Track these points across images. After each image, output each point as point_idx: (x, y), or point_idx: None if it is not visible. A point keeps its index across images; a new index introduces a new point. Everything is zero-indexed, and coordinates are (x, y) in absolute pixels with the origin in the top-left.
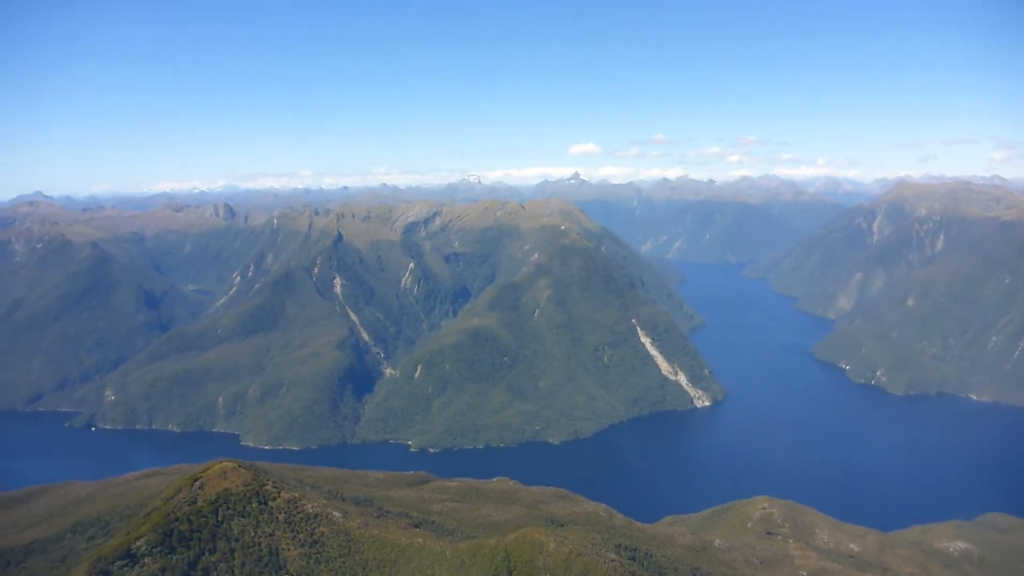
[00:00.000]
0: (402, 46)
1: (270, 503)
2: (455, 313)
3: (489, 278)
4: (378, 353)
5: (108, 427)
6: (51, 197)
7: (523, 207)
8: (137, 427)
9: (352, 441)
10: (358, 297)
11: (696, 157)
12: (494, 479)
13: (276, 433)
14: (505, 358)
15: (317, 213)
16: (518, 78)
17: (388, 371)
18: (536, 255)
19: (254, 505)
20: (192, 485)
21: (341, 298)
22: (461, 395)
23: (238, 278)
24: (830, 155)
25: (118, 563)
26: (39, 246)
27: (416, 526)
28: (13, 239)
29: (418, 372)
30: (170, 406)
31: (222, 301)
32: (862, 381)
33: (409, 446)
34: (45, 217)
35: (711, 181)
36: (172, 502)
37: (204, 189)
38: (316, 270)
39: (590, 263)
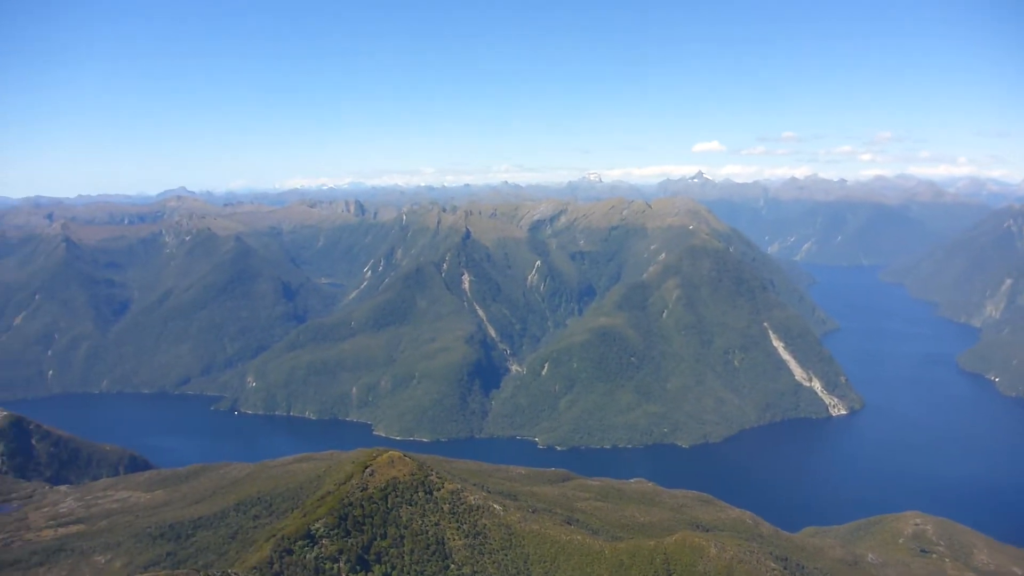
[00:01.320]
0: (525, 44)
1: (435, 493)
2: (580, 311)
3: (615, 277)
4: (504, 349)
5: (249, 412)
6: (193, 192)
7: (649, 206)
8: (276, 413)
9: (480, 436)
10: (485, 293)
11: (825, 156)
12: (632, 480)
13: (407, 424)
14: (633, 358)
15: (444, 210)
16: (641, 75)
17: (514, 367)
18: (663, 255)
19: (420, 494)
20: (363, 472)
21: (469, 294)
22: (588, 394)
23: (369, 272)
24: (972, 153)
25: (299, 543)
26: (187, 239)
27: (568, 523)
28: (164, 231)
29: (545, 369)
30: (307, 394)
31: (354, 294)
32: (1013, 394)
33: (536, 443)
34: (191, 211)
35: (842, 180)
36: (345, 487)
37: (332, 186)
38: (445, 266)
39: (720, 264)
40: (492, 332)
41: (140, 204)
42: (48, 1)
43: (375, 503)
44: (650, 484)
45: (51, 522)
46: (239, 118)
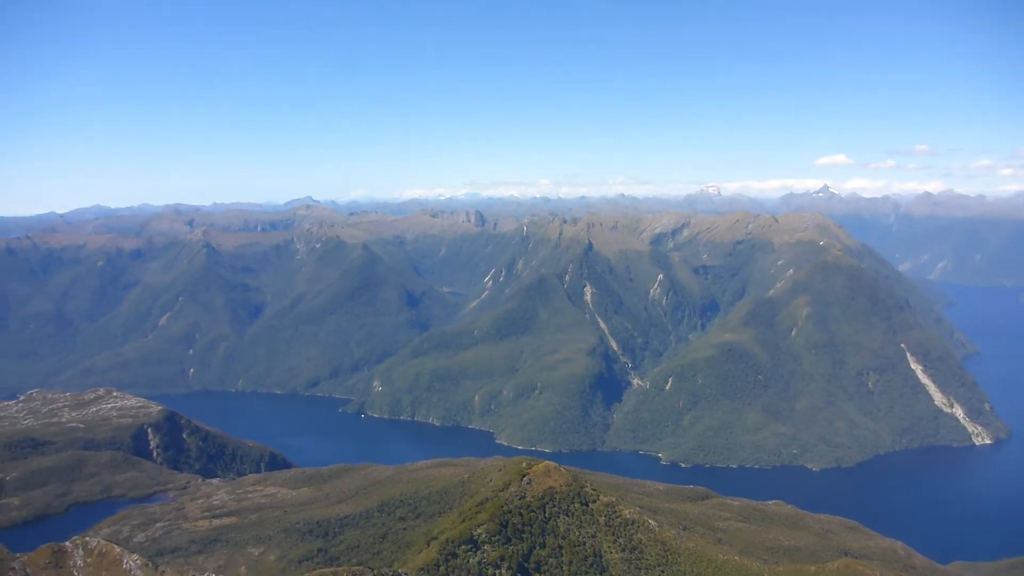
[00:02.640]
0: (640, 56)
1: (590, 505)
2: (703, 327)
3: (739, 292)
4: (626, 363)
5: (375, 415)
6: (319, 201)
7: (776, 220)
8: (401, 418)
9: (602, 449)
10: (607, 306)
11: (961, 170)
12: (770, 502)
13: (529, 434)
14: (760, 376)
15: (565, 222)
16: (762, 85)
17: (636, 381)
18: (792, 271)
19: (576, 505)
20: (521, 480)
21: (591, 306)
22: (713, 411)
23: (490, 282)
24: None
25: (463, 547)
26: (317, 246)
27: (718, 543)
28: (295, 239)
29: (669, 384)
30: (430, 400)
31: (475, 304)
32: None
33: (659, 459)
34: (320, 220)
35: (981, 196)
36: (504, 495)
37: (449, 196)
38: (567, 277)
39: (853, 281)
40: (614, 345)
41: (271, 212)
42: (199, 17)
43: (533, 512)
44: (790, 507)
45: (206, 513)
46: (361, 130)
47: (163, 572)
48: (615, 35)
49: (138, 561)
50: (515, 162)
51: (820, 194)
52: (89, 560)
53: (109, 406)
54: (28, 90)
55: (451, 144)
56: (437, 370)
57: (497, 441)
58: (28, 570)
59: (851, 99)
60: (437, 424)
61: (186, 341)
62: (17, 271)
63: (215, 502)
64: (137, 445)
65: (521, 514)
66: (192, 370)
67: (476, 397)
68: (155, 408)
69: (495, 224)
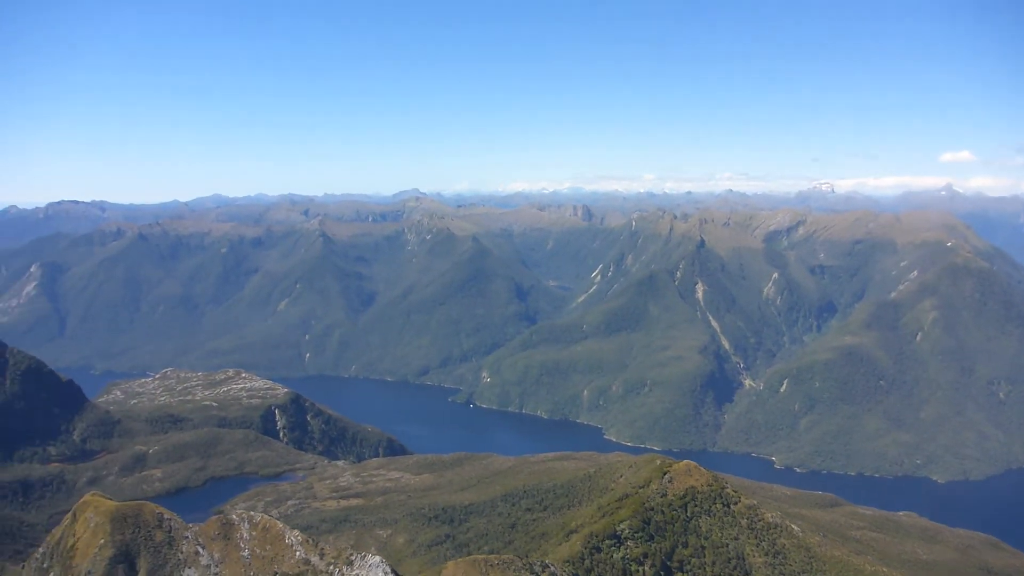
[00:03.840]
0: (751, 49)
1: (732, 507)
2: (819, 328)
3: (858, 294)
4: (738, 362)
5: (484, 406)
6: (425, 193)
7: (898, 219)
8: (509, 409)
9: (713, 449)
10: (719, 304)
11: None
12: (901, 512)
13: (638, 431)
14: (881, 382)
15: (676, 217)
16: (881, 79)
17: (748, 382)
18: (916, 272)
19: (718, 506)
20: (662, 478)
21: (702, 304)
22: (831, 416)
23: (598, 277)
24: None
25: (606, 542)
26: (428, 237)
27: (859, 553)
28: (405, 230)
29: (784, 387)
30: (539, 393)
31: (582, 298)
32: None
33: (773, 462)
34: (431, 211)
35: None
36: (645, 491)
37: (552, 190)
38: (679, 274)
39: (985, 285)
40: (726, 344)
41: (381, 203)
42: (318, 14)
43: (675, 510)
44: (923, 519)
45: (334, 494)
46: (466, 123)
47: (322, 548)
48: (723, 27)
49: (299, 537)
50: (619, 156)
51: (943, 192)
52: (254, 533)
53: (239, 387)
54: (162, 87)
55: (555, 138)
56: (546, 363)
57: (606, 437)
58: (200, 539)
59: (979, 91)
60: (545, 417)
61: (303, 327)
62: (148, 256)
63: (342, 483)
64: (265, 425)
65: (663, 512)
66: (308, 355)
67: (585, 392)
68: (281, 390)
69: (602, 219)
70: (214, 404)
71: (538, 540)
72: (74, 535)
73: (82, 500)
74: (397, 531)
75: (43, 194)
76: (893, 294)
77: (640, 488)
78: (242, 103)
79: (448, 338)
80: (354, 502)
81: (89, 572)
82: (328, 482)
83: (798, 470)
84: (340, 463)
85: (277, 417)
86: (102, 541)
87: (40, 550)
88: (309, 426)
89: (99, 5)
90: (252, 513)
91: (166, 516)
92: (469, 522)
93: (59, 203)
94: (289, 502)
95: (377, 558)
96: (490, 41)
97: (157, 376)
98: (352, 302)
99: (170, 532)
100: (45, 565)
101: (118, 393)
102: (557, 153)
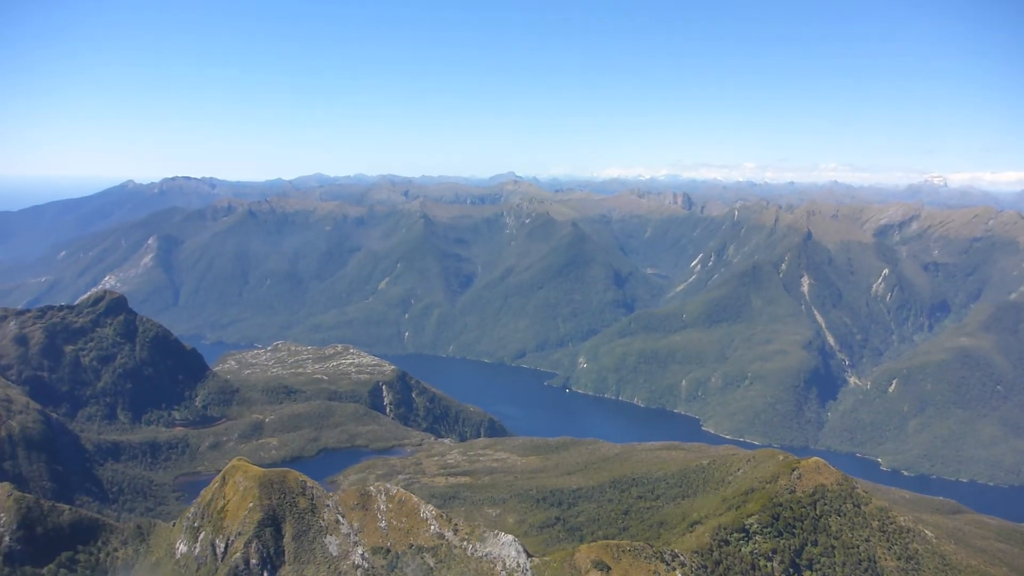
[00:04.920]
0: (862, 33)
1: (863, 507)
2: (931, 327)
3: (974, 294)
4: (843, 359)
5: (580, 391)
6: (521, 177)
7: (1022, 217)
8: (606, 396)
9: (815, 447)
10: (825, 298)
11: None
12: None
13: (737, 424)
14: (999, 387)
15: (781, 208)
16: (998, 68)
17: (853, 380)
18: None
19: (848, 506)
20: (790, 474)
21: (807, 297)
22: (943, 419)
23: (698, 266)
24: None
25: (735, 535)
26: (527, 221)
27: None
28: (504, 213)
29: (893, 387)
30: (636, 381)
31: (681, 287)
32: None
33: (878, 463)
34: (529, 195)
35: None
36: (773, 487)
37: (649, 176)
38: (783, 266)
39: None
40: (830, 340)
41: (479, 186)
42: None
43: (804, 507)
44: None
45: (442, 471)
46: (562, 108)
47: (456, 524)
48: (832, 12)
49: (433, 511)
50: (718, 143)
51: None
52: (391, 505)
53: (348, 362)
54: (271, 69)
55: (652, 124)
56: (644, 352)
57: (703, 428)
58: (340, 508)
59: None
60: (641, 405)
61: (403, 305)
62: (257, 232)
63: (449, 461)
64: (373, 400)
65: (792, 508)
66: (407, 333)
67: (683, 382)
68: (388, 367)
69: (702, 207)
70: (324, 378)
71: (656, 529)
72: (224, 497)
73: (230, 464)
74: (506, 511)
75: (157, 169)
76: (1013, 295)
77: (767, 483)
78: (345, 85)
79: (545, 322)
80: (462, 480)
81: (239, 533)
82: (436, 459)
83: (905, 473)
84: (446, 441)
85: (384, 393)
86: (251, 504)
87: (191, 510)
88: (414, 403)
89: None
90: (388, 486)
91: (308, 484)
92: (578, 506)
93: (173, 179)
94: (399, 476)
95: (510, 537)
96: (585, 27)
97: (269, 348)
98: (451, 283)
99: (312, 499)
100: (196, 524)
101: (232, 363)
102: (654, 139)
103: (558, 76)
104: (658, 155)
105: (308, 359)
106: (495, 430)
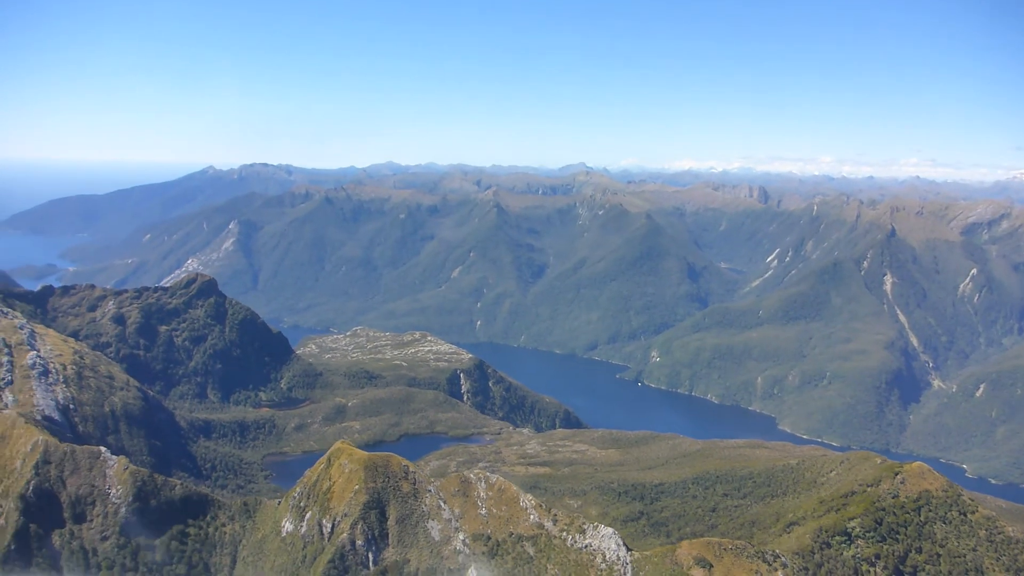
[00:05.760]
0: (947, 28)
1: (969, 516)
2: (1021, 331)
3: None
4: (927, 361)
5: (652, 385)
6: (592, 168)
7: None
8: (678, 391)
9: (896, 450)
10: (909, 298)
11: None
12: None
13: (815, 424)
14: None
15: (863, 203)
16: None
17: (937, 383)
18: None
19: (954, 514)
20: (893, 478)
21: (890, 296)
22: None
23: (775, 261)
24: None
25: (836, 538)
26: (600, 212)
27: None
28: (577, 204)
29: (980, 391)
30: (710, 377)
31: (756, 283)
32: None
33: (964, 470)
34: (602, 187)
35: None
36: (875, 491)
37: (721, 169)
38: (865, 264)
39: None
40: (914, 340)
41: (550, 176)
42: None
43: (908, 513)
44: None
45: (521, 460)
46: (634, 98)
47: (555, 514)
48: (910, 3)
49: (532, 501)
50: (793, 136)
51: None
52: (491, 493)
53: (426, 349)
54: (346, 59)
55: (725, 116)
56: (719, 347)
57: (779, 427)
58: (441, 494)
59: None
60: (715, 402)
61: (475, 294)
62: (333, 218)
63: (528, 451)
64: (451, 388)
65: (895, 514)
66: (479, 322)
67: (759, 379)
68: (466, 356)
69: (779, 201)
70: (404, 364)
71: (748, 528)
72: (330, 478)
73: (335, 447)
74: (587, 503)
75: (236, 156)
76: None
77: (869, 487)
78: (417, 75)
79: (617, 314)
80: (542, 470)
81: (345, 514)
82: (515, 448)
83: (993, 481)
84: (524, 431)
85: (462, 381)
86: (356, 487)
87: (296, 489)
88: (491, 392)
89: None
90: (488, 474)
91: (411, 469)
92: (661, 501)
93: (251, 165)
94: (479, 464)
95: (609, 530)
96: (654, 16)
97: (348, 333)
98: (523, 273)
99: (415, 484)
100: (302, 504)
101: (313, 347)
102: (726, 131)
103: (631, 66)
104: (730, 147)
105: (387, 345)
106: (570, 421)
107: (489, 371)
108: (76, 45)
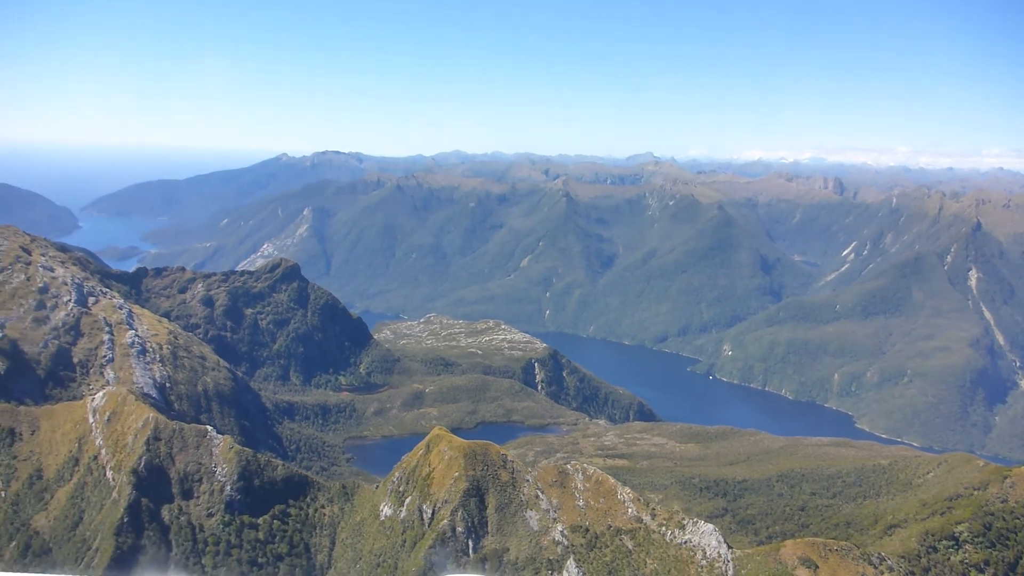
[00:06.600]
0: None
1: None
2: None
3: None
4: (1014, 360)
5: (724, 379)
6: (659, 157)
7: None
8: (751, 385)
9: (980, 452)
10: (995, 294)
11: None
12: None
13: (895, 424)
14: None
15: (945, 195)
16: None
17: None
18: None
19: None
20: (1002, 482)
21: (976, 292)
22: None
23: (851, 255)
24: None
25: (943, 542)
26: (670, 203)
27: None
28: (647, 194)
29: None
30: (784, 372)
31: (832, 276)
32: None
33: None
34: (673, 177)
35: None
36: (983, 495)
37: (792, 159)
38: (949, 258)
39: None
40: (1000, 339)
41: (618, 166)
42: None
43: (1018, 518)
44: None
45: (599, 452)
46: (702, 87)
47: (653, 509)
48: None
49: (630, 494)
50: (867, 125)
51: None
52: (588, 485)
53: (500, 337)
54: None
55: (795, 104)
56: (794, 341)
57: (857, 426)
58: (539, 484)
59: None
60: (790, 397)
61: (544, 284)
62: (404, 206)
63: (606, 442)
64: (525, 376)
65: (1004, 519)
66: (548, 311)
67: (836, 375)
68: (540, 345)
69: (855, 193)
70: (479, 352)
71: (843, 528)
72: (429, 465)
73: (433, 434)
74: (669, 497)
75: (308, 143)
76: None
77: (976, 490)
78: (484, 65)
79: (688, 306)
80: (620, 463)
81: (446, 501)
82: (592, 439)
83: None
84: (600, 422)
85: (536, 370)
86: (456, 474)
87: (395, 475)
88: (565, 382)
89: None
90: (586, 465)
91: (509, 458)
92: (745, 498)
93: (323, 153)
94: (558, 455)
95: (710, 526)
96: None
97: (421, 320)
98: (592, 263)
99: (513, 473)
100: (401, 489)
101: (387, 333)
102: (796, 120)
103: (697, 56)
104: (801, 137)
105: (460, 332)
106: (644, 414)
107: (563, 361)
108: (155, 39)
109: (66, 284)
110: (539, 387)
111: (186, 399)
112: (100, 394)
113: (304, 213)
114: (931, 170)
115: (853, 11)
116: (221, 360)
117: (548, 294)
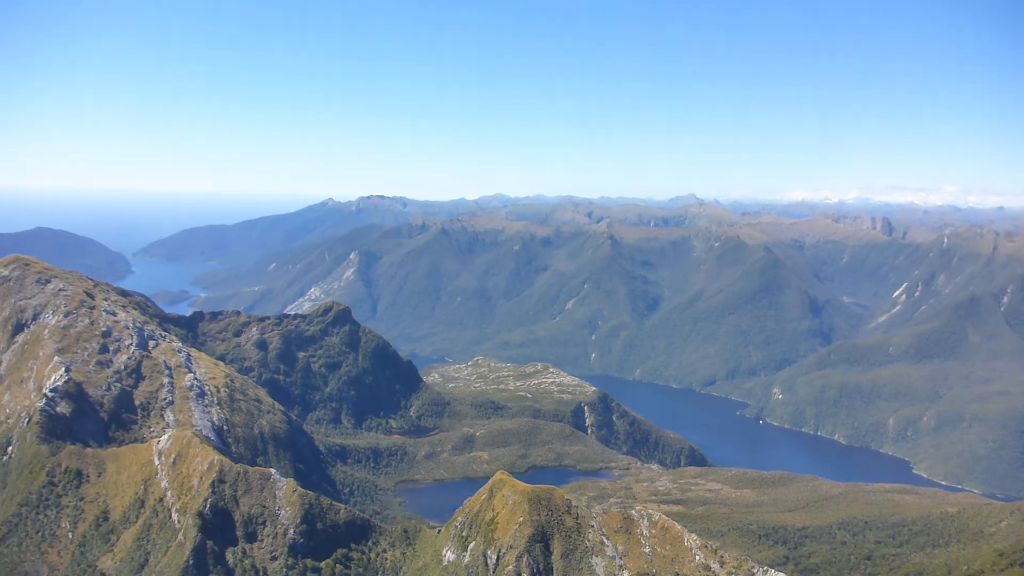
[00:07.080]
0: None
1: None
2: None
3: None
4: None
5: (775, 423)
6: (702, 199)
7: None
8: (803, 430)
9: None
10: None
11: None
12: None
13: (954, 470)
14: None
15: (999, 235)
16: None
17: None
18: None
19: None
20: None
21: None
22: None
23: (903, 296)
24: None
25: None
26: (716, 244)
27: None
28: (692, 237)
29: None
30: (837, 416)
31: (883, 318)
32: None
33: None
34: (718, 219)
35: None
36: None
37: (837, 200)
38: (1005, 299)
39: None
40: None
41: (660, 207)
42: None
43: None
44: None
45: (653, 497)
46: (742, 129)
47: (722, 556)
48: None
49: (697, 541)
50: (912, 164)
51: None
52: (654, 531)
53: (548, 380)
54: (457, 92)
55: (839, 144)
56: (846, 385)
57: (915, 472)
58: (604, 530)
59: None
60: (843, 442)
61: (589, 326)
62: (449, 249)
63: (659, 487)
64: (575, 420)
65: None
66: (594, 355)
67: (891, 420)
68: (590, 388)
69: (904, 233)
70: (528, 395)
71: None
72: (492, 510)
73: (496, 478)
74: (726, 544)
75: (352, 188)
76: None
77: None
78: (526, 109)
79: (736, 349)
80: (674, 508)
81: (511, 547)
82: (645, 484)
83: None
84: (653, 467)
85: (586, 414)
86: (520, 519)
87: (459, 519)
88: (615, 426)
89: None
90: (651, 511)
91: (573, 503)
92: (806, 546)
93: (368, 197)
94: (611, 500)
95: (781, 574)
96: (759, 46)
97: (470, 363)
98: (638, 305)
99: (577, 519)
100: (464, 534)
101: (436, 376)
102: (841, 160)
103: (740, 96)
104: (845, 177)
105: (509, 376)
106: (695, 459)
107: (613, 404)
108: (206, 88)
109: (127, 328)
110: (589, 431)
111: (243, 442)
112: (165, 436)
113: (350, 257)
114: (981, 209)
115: (891, 47)
116: (276, 403)
117: (594, 337)
